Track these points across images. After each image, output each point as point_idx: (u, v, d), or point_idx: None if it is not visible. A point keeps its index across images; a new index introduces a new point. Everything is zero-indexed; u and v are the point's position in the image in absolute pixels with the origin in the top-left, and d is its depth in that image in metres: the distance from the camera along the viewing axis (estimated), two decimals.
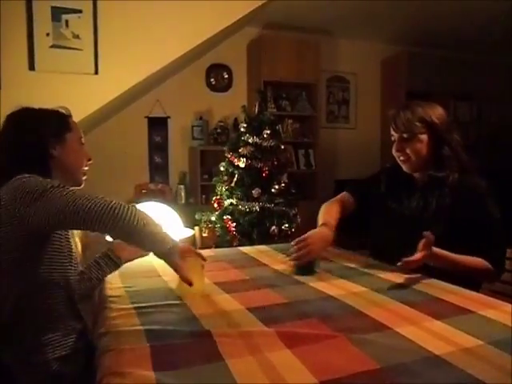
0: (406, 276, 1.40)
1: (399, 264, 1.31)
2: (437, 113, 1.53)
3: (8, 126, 1.23)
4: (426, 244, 1.32)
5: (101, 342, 0.97)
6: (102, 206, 1.01)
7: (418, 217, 1.54)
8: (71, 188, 1.08)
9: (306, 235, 1.53)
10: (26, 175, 1.09)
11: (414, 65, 5.00)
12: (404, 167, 1.58)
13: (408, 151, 1.53)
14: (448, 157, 1.50)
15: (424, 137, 1.51)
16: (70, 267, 1.17)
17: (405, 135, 1.52)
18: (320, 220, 1.66)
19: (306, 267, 1.47)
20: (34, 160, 1.18)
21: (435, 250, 1.36)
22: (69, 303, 1.16)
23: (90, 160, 1.35)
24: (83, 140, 1.34)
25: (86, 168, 1.34)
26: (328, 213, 1.69)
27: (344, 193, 1.82)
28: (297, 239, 1.52)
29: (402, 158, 1.56)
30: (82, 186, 1.33)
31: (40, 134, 1.21)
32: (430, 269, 1.39)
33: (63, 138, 1.25)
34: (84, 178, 1.34)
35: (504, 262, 1.50)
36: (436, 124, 1.50)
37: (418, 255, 1.31)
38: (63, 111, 1.34)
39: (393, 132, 1.57)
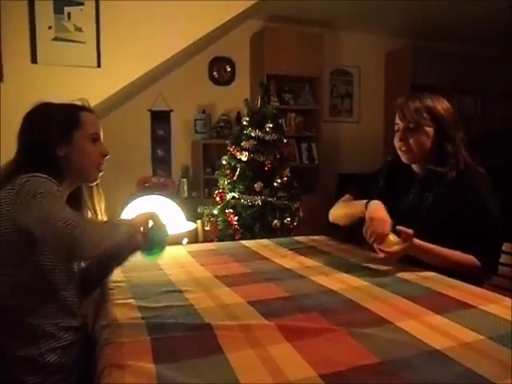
0: (407, 270, 1.40)
1: (374, 257, 1.41)
2: (445, 107, 1.50)
3: (22, 124, 1.21)
4: (405, 238, 1.36)
5: (102, 334, 0.98)
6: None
7: (413, 211, 1.52)
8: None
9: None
10: (35, 175, 1.08)
11: (419, 58, 4.96)
12: (403, 158, 1.56)
13: (411, 142, 1.50)
14: (449, 153, 1.47)
15: (430, 130, 1.48)
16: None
17: (411, 125, 1.48)
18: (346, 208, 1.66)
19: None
20: (41, 161, 1.15)
21: (416, 241, 1.38)
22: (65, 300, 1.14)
23: (106, 156, 1.28)
24: (101, 134, 1.29)
25: (102, 165, 1.28)
26: (349, 204, 1.68)
27: (346, 195, 1.79)
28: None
29: (403, 148, 1.53)
30: (98, 181, 1.30)
31: (45, 134, 1.18)
32: (419, 263, 1.41)
33: (70, 136, 1.20)
34: (100, 174, 1.29)
35: (496, 260, 1.45)
36: (443, 118, 1.48)
37: (393, 249, 1.38)
38: (78, 103, 1.28)
39: (398, 121, 1.53)
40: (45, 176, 1.09)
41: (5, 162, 1.18)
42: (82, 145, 1.22)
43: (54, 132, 1.19)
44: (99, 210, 1.34)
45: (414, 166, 1.59)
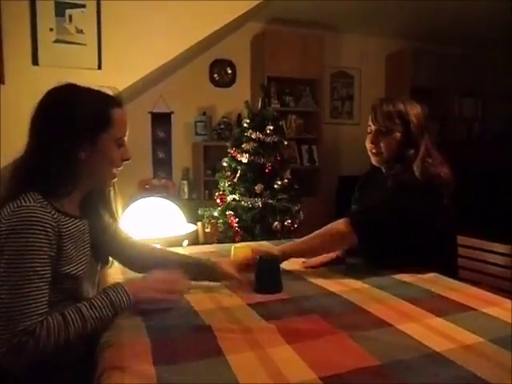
0: (408, 273, 1.40)
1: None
2: (416, 112, 1.53)
3: (42, 108, 1.04)
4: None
5: (102, 336, 0.97)
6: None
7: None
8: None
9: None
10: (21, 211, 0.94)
11: (419, 60, 4.97)
12: (373, 160, 1.60)
13: (381, 145, 1.54)
14: (410, 158, 1.48)
15: (398, 134, 1.51)
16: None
17: (382, 129, 1.52)
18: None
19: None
20: (58, 164, 1.01)
21: (283, 248, 1.45)
22: None
23: (127, 160, 1.13)
24: (126, 137, 1.12)
25: (119, 169, 1.14)
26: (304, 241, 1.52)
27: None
28: None
29: (373, 150, 1.57)
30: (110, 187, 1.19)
31: (70, 132, 1.01)
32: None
33: (97, 138, 1.05)
34: (114, 180, 1.16)
35: (366, 226, 1.39)
36: (413, 125, 1.50)
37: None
38: (108, 92, 1.10)
39: (370, 123, 1.57)
40: (37, 216, 0.94)
41: (5, 165, 1.13)
42: (107, 149, 1.07)
43: (81, 130, 1.02)
44: (116, 211, 1.24)
45: (382, 168, 1.63)
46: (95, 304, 0.97)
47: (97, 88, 1.10)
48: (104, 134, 1.06)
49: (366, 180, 1.73)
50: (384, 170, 1.62)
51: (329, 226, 1.44)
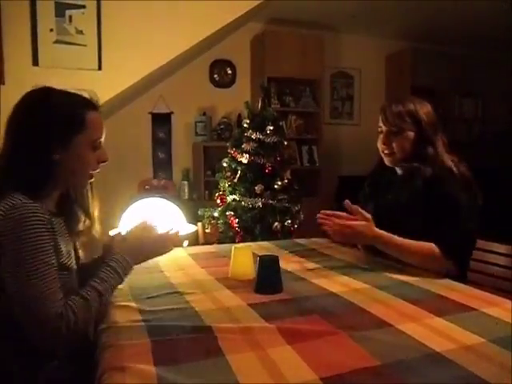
0: (408, 273, 1.40)
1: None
2: (426, 111, 1.53)
3: (17, 111, 1.07)
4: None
5: (102, 337, 0.98)
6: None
7: (392, 207, 1.55)
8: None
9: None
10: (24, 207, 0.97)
11: (419, 61, 4.98)
12: (386, 160, 1.60)
13: (394, 145, 1.54)
14: (430, 156, 1.49)
15: (411, 134, 1.52)
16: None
17: (393, 129, 1.53)
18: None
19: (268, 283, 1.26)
20: (32, 164, 1.03)
21: (378, 231, 1.42)
22: None
23: (104, 162, 1.16)
24: (103, 137, 1.14)
25: (96, 171, 1.16)
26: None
27: None
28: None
29: (386, 151, 1.58)
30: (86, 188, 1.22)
31: (43, 134, 1.04)
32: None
33: (69, 141, 1.06)
34: (91, 180, 1.19)
35: (458, 249, 1.40)
36: (424, 122, 1.51)
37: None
38: (85, 95, 1.12)
39: (381, 124, 1.57)
40: (31, 211, 0.97)
41: None
42: (80, 151, 1.09)
43: (54, 132, 1.04)
44: (93, 214, 1.24)
45: (396, 168, 1.63)
46: (105, 278, 1.06)
47: (73, 91, 1.12)
48: (78, 136, 1.08)
49: (376, 177, 1.72)
50: (400, 171, 1.61)
51: (420, 243, 1.41)
